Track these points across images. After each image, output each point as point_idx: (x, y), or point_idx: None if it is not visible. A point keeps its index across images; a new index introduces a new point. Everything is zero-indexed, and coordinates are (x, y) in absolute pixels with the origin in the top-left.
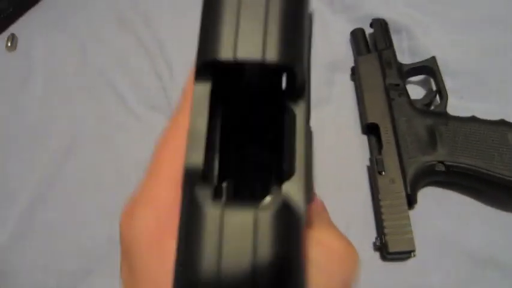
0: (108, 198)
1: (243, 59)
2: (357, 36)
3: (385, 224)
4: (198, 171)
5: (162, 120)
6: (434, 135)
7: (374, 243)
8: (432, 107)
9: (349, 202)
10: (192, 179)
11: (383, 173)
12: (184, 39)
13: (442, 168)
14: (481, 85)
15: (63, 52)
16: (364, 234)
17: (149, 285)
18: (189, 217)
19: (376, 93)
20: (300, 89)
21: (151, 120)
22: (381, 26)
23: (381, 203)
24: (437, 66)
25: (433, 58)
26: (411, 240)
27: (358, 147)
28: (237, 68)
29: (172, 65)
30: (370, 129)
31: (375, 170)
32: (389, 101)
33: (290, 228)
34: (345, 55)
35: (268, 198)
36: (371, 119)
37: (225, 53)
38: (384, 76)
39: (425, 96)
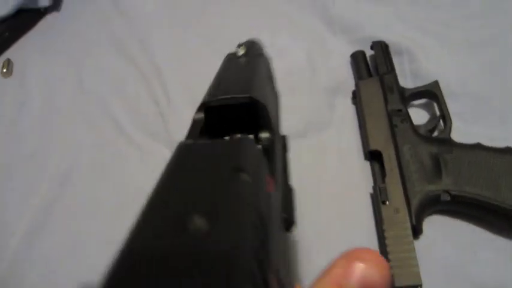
0: (107, 228)
1: None
2: (357, 59)
3: (390, 256)
4: None
5: (160, 148)
6: (439, 164)
7: None
8: (436, 133)
9: (353, 231)
10: None
11: (387, 202)
12: (180, 64)
13: (447, 197)
14: (484, 107)
15: (59, 78)
16: None
17: None
18: None
19: (378, 119)
20: None
21: (149, 148)
22: (381, 48)
23: (386, 234)
24: (440, 90)
25: (436, 82)
26: (417, 274)
27: (361, 173)
28: None
29: (168, 90)
30: (373, 156)
31: (378, 200)
32: (392, 127)
33: None
34: (346, 77)
35: None
36: (373, 146)
37: None
38: (386, 101)
39: (428, 122)
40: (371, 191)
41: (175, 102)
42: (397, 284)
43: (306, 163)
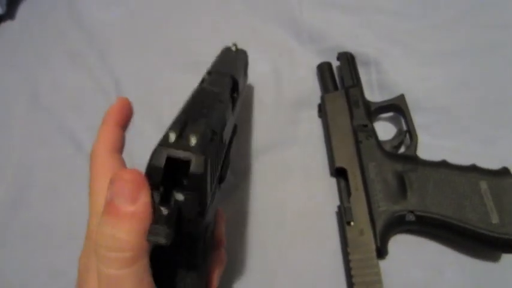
0: (58, 255)
1: None
2: (323, 71)
3: (354, 280)
4: None
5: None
6: (404, 183)
7: None
8: (403, 148)
9: (318, 252)
10: None
11: (352, 223)
12: (140, 78)
13: (412, 218)
14: (452, 120)
15: (13, 91)
16: None
17: None
18: None
19: (344, 134)
20: None
21: None
22: (347, 60)
23: (350, 257)
24: (406, 104)
25: (402, 96)
26: None
27: (327, 190)
28: None
29: None
30: (339, 173)
31: (343, 220)
32: (357, 143)
33: None
34: (313, 89)
35: None
36: (339, 163)
37: None
38: (351, 116)
39: (394, 137)
40: (337, 209)
41: (135, 119)
42: None
43: (270, 181)
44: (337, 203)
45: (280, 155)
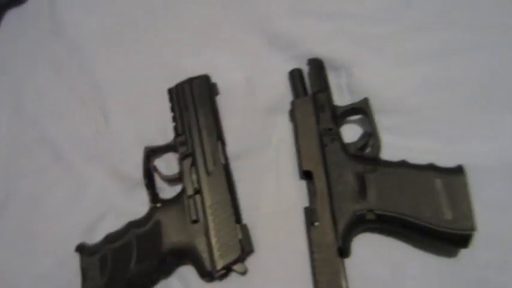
0: (41, 262)
1: None
2: (293, 77)
3: (317, 278)
4: None
5: (99, 172)
6: (364, 183)
7: None
8: (368, 149)
9: (289, 253)
10: None
11: (316, 223)
12: (121, 87)
13: (372, 217)
14: (419, 122)
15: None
16: None
17: None
18: None
19: (310, 138)
20: None
21: (89, 174)
22: (316, 66)
23: (314, 256)
24: (370, 107)
25: (366, 99)
26: None
27: (299, 193)
28: None
29: (107, 112)
30: (307, 176)
31: (307, 221)
32: (322, 146)
33: None
34: (285, 95)
35: None
36: (305, 166)
37: None
38: (318, 120)
39: (359, 140)
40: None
41: (114, 126)
42: None
43: (243, 184)
44: (307, 204)
45: (253, 160)
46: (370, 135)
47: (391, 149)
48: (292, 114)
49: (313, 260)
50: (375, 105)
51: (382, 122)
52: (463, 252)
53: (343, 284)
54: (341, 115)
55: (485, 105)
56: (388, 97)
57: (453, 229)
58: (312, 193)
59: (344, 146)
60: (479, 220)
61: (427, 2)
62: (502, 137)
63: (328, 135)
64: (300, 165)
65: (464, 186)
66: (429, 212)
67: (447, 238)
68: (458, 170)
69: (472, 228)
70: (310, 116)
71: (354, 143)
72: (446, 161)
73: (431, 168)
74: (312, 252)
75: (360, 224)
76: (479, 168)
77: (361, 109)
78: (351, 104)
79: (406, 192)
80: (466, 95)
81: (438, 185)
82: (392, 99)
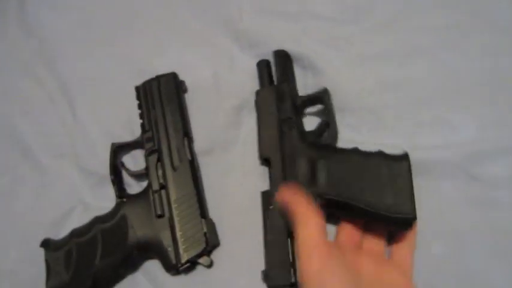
0: (8, 260)
1: None
2: (260, 67)
3: (268, 259)
4: None
5: (67, 167)
6: (315, 169)
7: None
8: (325, 137)
9: (255, 246)
10: None
11: (270, 207)
12: (89, 84)
13: (321, 201)
14: (378, 121)
15: None
16: None
17: None
18: None
19: (270, 127)
20: None
21: (56, 169)
22: (279, 57)
23: (267, 238)
24: (328, 97)
25: (325, 89)
26: (288, 274)
27: (265, 187)
28: None
29: (75, 109)
30: (267, 163)
31: (264, 204)
32: (281, 134)
33: None
34: (252, 93)
35: None
36: (264, 154)
37: None
38: (278, 109)
39: (316, 128)
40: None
41: (82, 123)
42: (269, 283)
43: (211, 180)
44: None
45: (220, 156)
46: (326, 124)
47: (354, 145)
48: (256, 104)
49: (265, 242)
50: (339, 103)
51: (345, 119)
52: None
53: (291, 265)
54: (301, 104)
55: (445, 104)
56: (351, 95)
57: (393, 213)
58: (270, 179)
59: (302, 134)
60: (437, 210)
61: (390, 3)
62: (461, 133)
63: (288, 123)
64: (260, 152)
65: (406, 172)
66: (373, 197)
67: (389, 221)
68: (403, 157)
69: (411, 213)
70: (271, 105)
71: (312, 132)
72: (405, 149)
73: (379, 155)
74: (265, 234)
75: None
76: (439, 163)
77: (320, 98)
78: (310, 94)
79: (354, 177)
80: (427, 94)
81: (383, 170)
82: (355, 97)
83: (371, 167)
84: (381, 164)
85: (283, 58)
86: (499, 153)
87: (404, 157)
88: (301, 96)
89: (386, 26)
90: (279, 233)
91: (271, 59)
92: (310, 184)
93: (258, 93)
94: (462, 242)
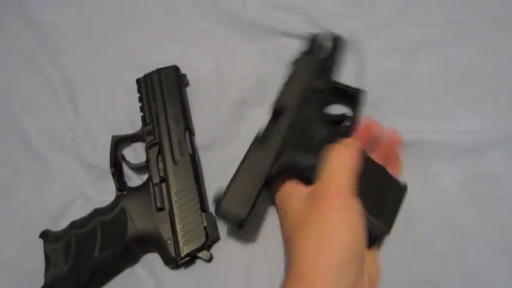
0: (8, 252)
1: None
2: (311, 40)
3: (229, 188)
4: None
5: (68, 160)
6: (322, 146)
7: None
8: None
9: (255, 241)
10: None
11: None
12: (90, 78)
13: None
14: (381, 115)
15: None
16: None
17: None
18: None
19: (298, 84)
20: None
21: (57, 163)
22: (335, 41)
23: (241, 169)
24: (363, 97)
25: (362, 91)
26: (244, 212)
27: None
28: None
29: (77, 103)
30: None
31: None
32: (306, 97)
33: None
34: (255, 88)
35: None
36: (280, 102)
37: None
38: (312, 79)
39: (338, 116)
40: None
41: (84, 116)
42: (221, 213)
43: (212, 174)
44: None
45: (222, 151)
46: (351, 119)
47: None
48: (292, 67)
49: (237, 171)
50: None
51: None
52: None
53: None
54: (334, 89)
55: (448, 99)
56: None
57: (372, 224)
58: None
59: (322, 111)
60: (440, 207)
61: (392, 1)
62: (463, 129)
63: (316, 93)
64: (276, 100)
65: (400, 198)
66: (368, 200)
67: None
68: (403, 186)
69: (387, 231)
70: (308, 72)
71: (333, 115)
72: (408, 144)
73: (384, 169)
74: (241, 164)
75: None
76: (441, 156)
77: (354, 95)
78: (348, 86)
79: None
80: (429, 89)
81: (384, 180)
82: None
83: (375, 172)
84: (384, 176)
85: (338, 44)
86: (501, 149)
87: (404, 187)
88: (336, 82)
89: (389, 21)
90: (255, 172)
91: (275, 56)
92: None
93: (297, 60)
94: (464, 238)
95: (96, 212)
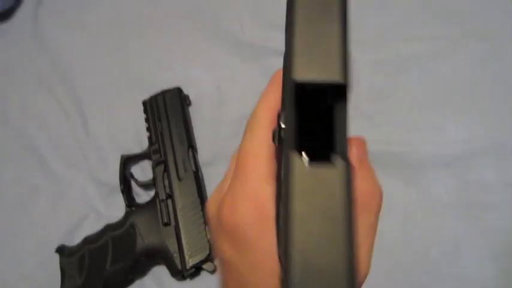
0: (26, 265)
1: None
2: None
3: None
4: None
5: (80, 178)
6: None
7: None
8: None
9: None
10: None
11: None
12: (99, 97)
13: None
14: (372, 126)
15: None
16: None
17: (255, 252)
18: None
19: None
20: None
21: (70, 180)
22: None
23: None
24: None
25: None
26: None
27: None
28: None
29: (87, 123)
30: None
31: None
32: None
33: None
34: (252, 106)
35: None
36: None
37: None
38: None
39: None
40: None
41: (94, 136)
42: None
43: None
44: None
45: (224, 166)
46: None
47: None
48: None
49: None
50: None
51: None
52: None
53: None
54: None
55: (437, 111)
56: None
57: None
58: None
59: None
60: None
61: (380, 15)
62: (453, 138)
63: None
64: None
65: None
66: None
67: None
68: None
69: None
70: None
71: None
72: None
73: None
74: None
75: None
76: (431, 166)
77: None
78: None
79: None
80: (419, 102)
81: None
82: (351, 104)
83: None
84: None
85: None
86: (489, 157)
87: None
88: None
89: (378, 37)
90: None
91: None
92: None
93: None
94: (457, 245)
95: (108, 228)
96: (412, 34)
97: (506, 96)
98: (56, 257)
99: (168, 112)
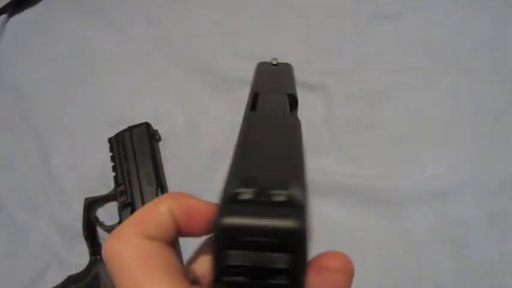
0: None
1: None
2: None
3: None
4: None
5: (42, 223)
6: None
7: None
8: None
9: None
10: None
11: None
12: (62, 134)
13: None
14: (349, 154)
15: None
16: None
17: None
18: None
19: None
20: None
21: (31, 224)
22: None
23: None
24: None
25: None
26: None
27: None
28: None
29: (50, 163)
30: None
31: None
32: None
33: None
34: (228, 139)
35: None
36: None
37: None
38: None
39: None
40: None
41: (57, 177)
42: None
43: None
44: None
45: None
46: None
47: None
48: None
49: None
50: (312, 141)
51: (320, 158)
52: None
53: None
54: None
55: (414, 143)
56: (325, 134)
57: None
58: None
59: None
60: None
61: (358, 46)
62: (431, 172)
63: None
64: None
65: None
66: None
67: None
68: None
69: None
70: None
71: None
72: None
73: None
74: None
75: None
76: (410, 201)
77: None
78: None
79: None
80: (396, 134)
81: None
82: (326, 136)
83: None
84: None
85: None
86: (468, 190)
87: None
88: None
89: (352, 68)
90: None
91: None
92: None
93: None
94: (439, 284)
95: (69, 280)
96: (387, 65)
97: (483, 127)
98: None
99: (135, 150)
